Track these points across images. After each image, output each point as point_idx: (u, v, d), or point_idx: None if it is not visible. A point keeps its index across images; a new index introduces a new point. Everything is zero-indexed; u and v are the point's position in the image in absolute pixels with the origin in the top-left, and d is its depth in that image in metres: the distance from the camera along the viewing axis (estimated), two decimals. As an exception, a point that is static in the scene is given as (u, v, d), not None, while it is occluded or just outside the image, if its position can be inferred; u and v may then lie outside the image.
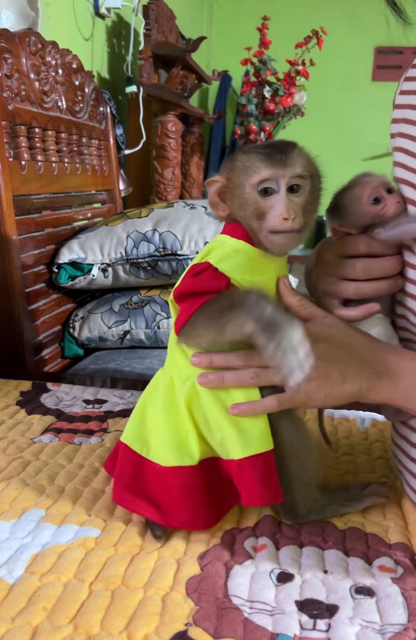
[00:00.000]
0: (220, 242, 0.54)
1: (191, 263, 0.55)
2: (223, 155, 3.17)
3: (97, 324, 1.21)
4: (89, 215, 1.43)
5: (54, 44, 1.26)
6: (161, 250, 1.15)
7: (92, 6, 1.75)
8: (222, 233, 0.55)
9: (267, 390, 0.51)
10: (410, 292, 0.54)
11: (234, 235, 0.53)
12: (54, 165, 1.22)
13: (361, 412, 0.80)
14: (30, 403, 0.82)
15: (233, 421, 0.50)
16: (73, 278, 1.20)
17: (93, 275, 1.19)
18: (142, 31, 1.88)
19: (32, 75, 1.16)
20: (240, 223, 0.53)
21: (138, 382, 0.94)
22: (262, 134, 2.25)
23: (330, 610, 0.43)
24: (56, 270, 1.21)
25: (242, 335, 0.49)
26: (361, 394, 0.51)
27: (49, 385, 0.90)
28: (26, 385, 0.89)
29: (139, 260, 1.16)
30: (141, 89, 1.85)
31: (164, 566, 0.47)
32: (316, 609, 0.43)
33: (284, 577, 0.46)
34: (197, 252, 1.13)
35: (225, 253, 0.52)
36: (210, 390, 0.51)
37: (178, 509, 0.50)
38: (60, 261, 1.20)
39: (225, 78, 3.17)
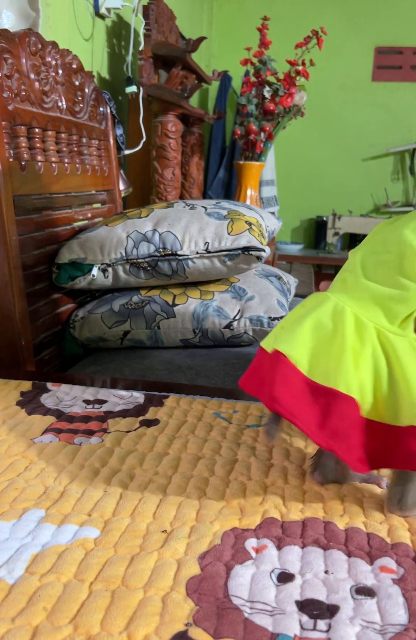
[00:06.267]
0: None
1: None
2: (223, 155, 3.16)
3: (97, 324, 1.21)
4: (89, 215, 1.43)
5: (54, 44, 1.26)
6: (161, 250, 1.15)
7: (92, 6, 1.75)
8: None
9: None
10: None
11: None
12: (54, 165, 1.22)
13: None
14: (30, 403, 0.82)
15: None
16: (73, 278, 1.20)
17: (93, 275, 1.19)
18: (142, 31, 1.88)
19: (32, 76, 1.16)
20: None
21: (138, 382, 0.94)
22: (262, 134, 2.25)
23: (330, 611, 0.43)
24: (56, 271, 1.21)
25: None
26: None
27: (49, 385, 0.90)
28: (26, 385, 0.89)
29: (139, 260, 1.16)
30: (141, 89, 1.85)
31: (164, 566, 0.47)
32: (316, 609, 0.43)
33: (284, 577, 0.46)
34: (197, 252, 1.13)
35: None
36: None
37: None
38: (60, 261, 1.20)
39: (225, 78, 3.17)
